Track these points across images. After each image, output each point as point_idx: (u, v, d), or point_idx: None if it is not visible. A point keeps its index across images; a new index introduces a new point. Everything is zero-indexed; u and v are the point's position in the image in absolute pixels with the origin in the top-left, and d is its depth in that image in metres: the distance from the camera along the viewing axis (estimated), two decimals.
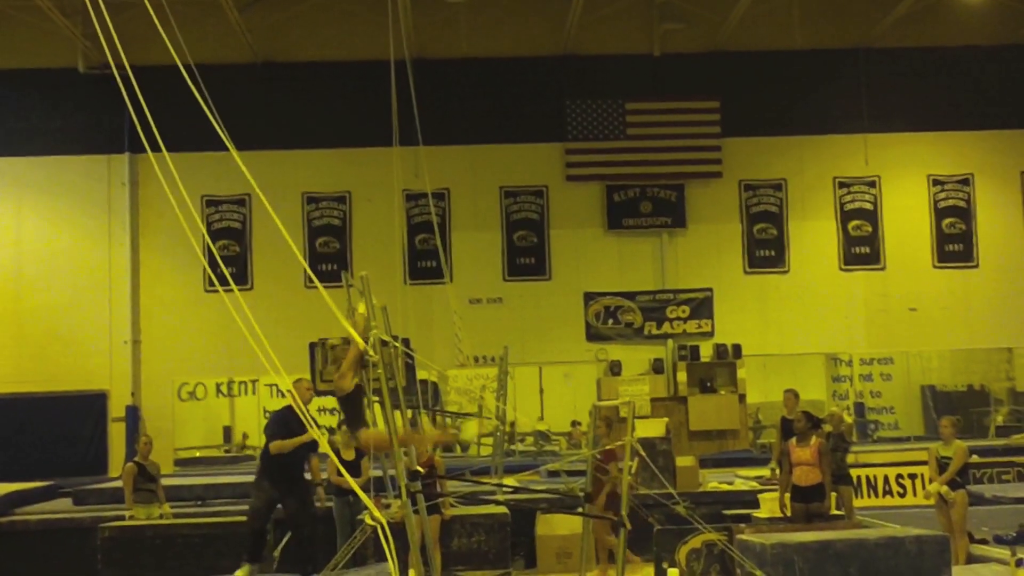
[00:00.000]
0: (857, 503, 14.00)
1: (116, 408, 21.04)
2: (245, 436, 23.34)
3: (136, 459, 13.31)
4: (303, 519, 10.30)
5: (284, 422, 10.59)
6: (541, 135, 21.92)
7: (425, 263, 21.24)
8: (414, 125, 16.88)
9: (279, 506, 11.00)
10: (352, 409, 8.71)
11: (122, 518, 13.13)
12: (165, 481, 14.13)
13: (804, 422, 11.76)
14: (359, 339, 8.69)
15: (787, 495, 11.70)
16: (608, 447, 12.37)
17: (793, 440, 11.75)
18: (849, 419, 13.74)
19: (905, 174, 22.32)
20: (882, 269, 22.09)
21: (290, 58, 21.72)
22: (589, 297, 21.72)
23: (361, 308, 8.67)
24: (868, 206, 22.24)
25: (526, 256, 21.84)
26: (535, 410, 22.38)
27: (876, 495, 16.35)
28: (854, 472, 14.36)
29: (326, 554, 11.87)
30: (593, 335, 21.74)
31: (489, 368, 20.33)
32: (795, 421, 12.11)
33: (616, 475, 12.19)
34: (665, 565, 10.81)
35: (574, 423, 21.62)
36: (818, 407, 18.14)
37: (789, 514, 11.63)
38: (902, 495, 16.33)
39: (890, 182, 22.28)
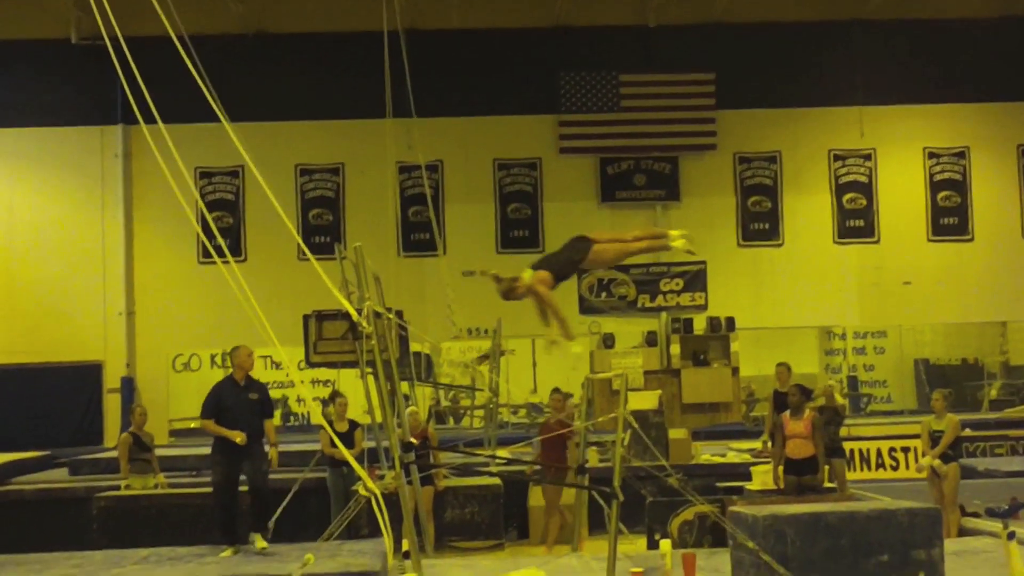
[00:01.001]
0: (850, 476, 14.07)
1: (111, 379, 21.06)
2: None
3: (131, 430, 13.35)
4: (259, 481, 10.02)
5: (216, 396, 9.94)
6: (534, 107, 21.86)
7: (418, 235, 21.21)
8: (407, 97, 16.82)
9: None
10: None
11: (117, 488, 13.18)
12: (160, 452, 14.17)
13: (798, 395, 11.80)
14: (350, 308, 8.72)
15: (780, 468, 11.75)
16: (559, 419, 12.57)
17: (787, 413, 11.79)
18: (841, 399, 13.75)
19: (900, 147, 22.30)
20: (876, 242, 22.10)
21: (283, 29, 21.60)
22: (582, 270, 21.67)
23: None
24: (863, 179, 22.22)
25: (519, 228, 21.83)
26: (528, 382, 22.41)
27: (869, 468, 16.44)
28: (847, 445, 14.42)
29: (320, 525, 11.92)
30: (586, 308, 21.66)
31: (482, 340, 20.38)
32: (788, 395, 12.15)
33: (573, 451, 12.27)
34: (657, 537, 10.85)
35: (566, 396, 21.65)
36: (811, 380, 18.19)
37: (782, 487, 11.68)
38: (895, 468, 16.42)
39: (885, 155, 22.25)
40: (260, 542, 9.66)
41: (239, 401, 9.83)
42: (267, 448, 10.04)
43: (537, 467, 12.70)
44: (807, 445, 11.54)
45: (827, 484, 12.03)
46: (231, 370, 10.12)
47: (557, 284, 8.68)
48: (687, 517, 11.36)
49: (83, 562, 9.70)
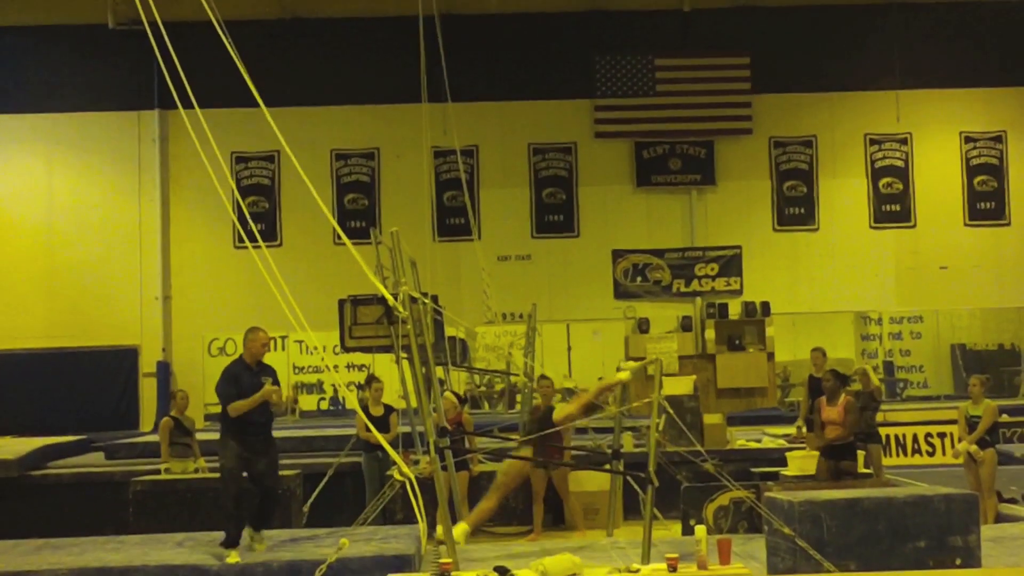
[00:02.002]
0: (886, 462, 14.00)
1: (147, 363, 21.23)
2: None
3: (172, 414, 13.44)
4: (271, 480, 9.64)
5: (235, 379, 9.49)
6: (570, 91, 21.80)
7: (454, 220, 21.23)
8: (443, 81, 16.82)
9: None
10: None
11: (155, 472, 13.29)
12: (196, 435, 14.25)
13: (832, 381, 11.73)
14: (386, 293, 8.75)
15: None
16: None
17: (823, 398, 11.73)
18: (876, 381, 13.67)
19: (937, 131, 22.08)
20: (913, 227, 21.92)
21: (318, 14, 21.64)
22: (617, 254, 21.68)
23: None
24: (899, 163, 22.03)
25: (554, 213, 21.81)
26: (563, 367, 22.40)
27: (905, 454, 16.35)
28: (883, 431, 14.34)
29: (355, 509, 12.00)
30: (621, 292, 21.72)
31: (517, 325, 20.40)
32: (823, 380, 12.09)
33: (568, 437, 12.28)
34: (693, 522, 10.84)
35: (599, 380, 21.63)
36: (847, 365, 18.09)
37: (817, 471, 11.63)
38: (931, 454, 16.33)
39: (922, 139, 22.05)
40: (260, 544, 9.33)
41: (254, 385, 9.42)
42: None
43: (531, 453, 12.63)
44: (837, 428, 11.47)
45: (862, 469, 11.97)
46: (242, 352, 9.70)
47: None
48: (722, 503, 11.35)
49: (120, 546, 9.81)
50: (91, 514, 13.34)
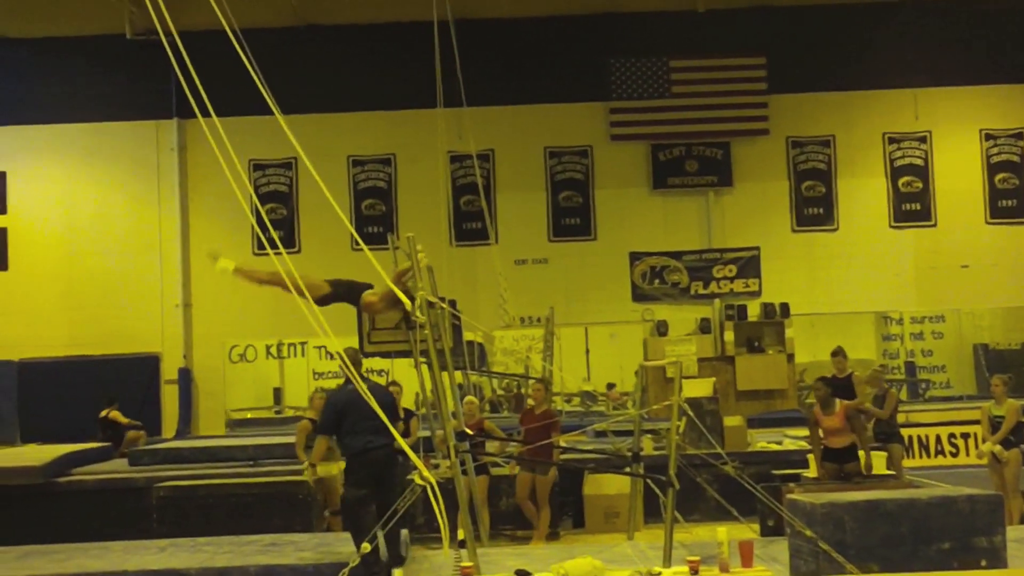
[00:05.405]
0: (908, 463, 13.90)
1: (168, 371, 21.36)
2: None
3: (309, 416, 13.34)
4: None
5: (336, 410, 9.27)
6: (585, 95, 21.82)
7: (470, 224, 21.26)
8: (458, 86, 16.86)
9: None
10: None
11: (176, 478, 13.29)
12: (216, 442, 14.30)
13: (822, 389, 11.56)
14: (404, 298, 8.76)
15: (818, 458, 11.61)
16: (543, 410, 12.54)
17: (818, 407, 11.55)
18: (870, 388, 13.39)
19: (957, 129, 21.99)
20: (933, 226, 21.83)
21: (333, 20, 21.72)
22: (635, 257, 21.65)
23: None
24: (919, 162, 21.95)
25: (571, 216, 21.81)
26: (581, 371, 22.37)
27: (928, 455, 16.24)
28: (905, 432, 14.24)
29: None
30: (639, 295, 21.70)
31: (535, 329, 20.36)
32: (813, 388, 11.97)
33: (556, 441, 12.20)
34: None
35: (609, 385, 21.63)
36: (868, 366, 17.99)
37: (819, 475, 11.56)
38: (954, 455, 16.21)
39: (941, 137, 21.96)
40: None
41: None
42: None
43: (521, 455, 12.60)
44: (844, 436, 11.38)
45: (884, 471, 11.87)
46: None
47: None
48: None
49: (140, 549, 9.87)
50: (115, 520, 13.37)
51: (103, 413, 17.84)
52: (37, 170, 21.76)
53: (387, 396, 9.61)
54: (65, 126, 21.66)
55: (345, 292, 9.35)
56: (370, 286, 9.29)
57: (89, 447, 16.11)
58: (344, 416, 9.26)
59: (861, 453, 11.75)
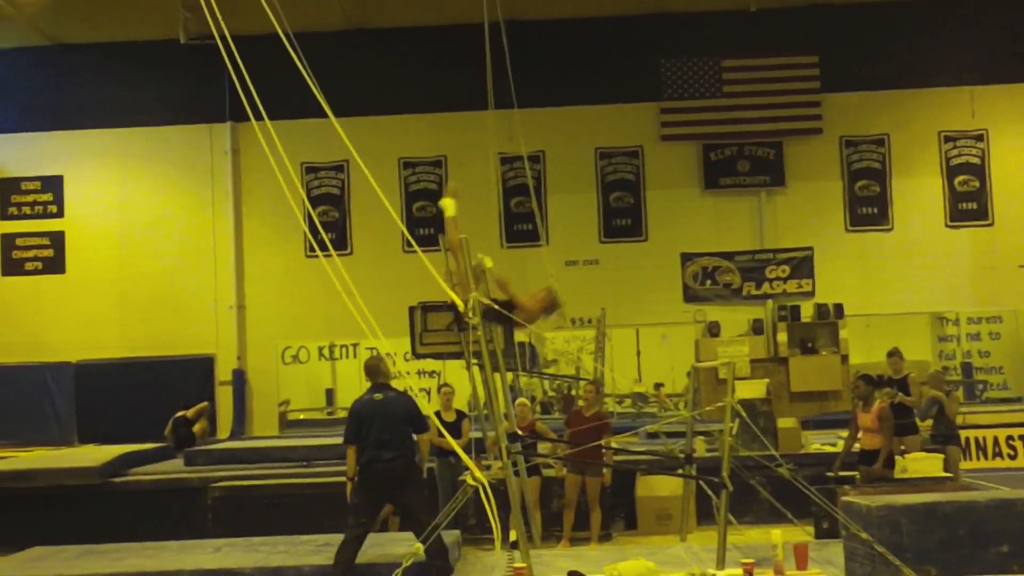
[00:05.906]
0: (965, 465, 13.74)
1: (223, 372, 21.56)
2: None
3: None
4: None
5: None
6: (636, 95, 21.73)
7: (521, 226, 21.26)
8: (508, 88, 16.82)
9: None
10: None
11: (231, 478, 13.42)
12: (271, 443, 14.39)
13: (862, 387, 11.47)
14: (456, 299, 8.78)
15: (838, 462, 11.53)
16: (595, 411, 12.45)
17: (859, 405, 11.48)
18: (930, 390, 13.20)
19: (1014, 127, 21.66)
20: (990, 225, 21.52)
21: (383, 23, 21.81)
22: (686, 258, 21.55)
23: (488, 262, 8.84)
24: (975, 160, 21.64)
25: (622, 217, 21.74)
26: (632, 372, 22.31)
27: (986, 457, 16.04)
28: (963, 434, 14.06)
29: (428, 515, 12.01)
30: (690, 296, 21.59)
31: (586, 330, 20.34)
32: (853, 387, 11.88)
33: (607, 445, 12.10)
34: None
35: (657, 385, 21.54)
36: (924, 367, 17.78)
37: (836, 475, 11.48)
38: (1012, 457, 16.00)
39: (998, 135, 21.64)
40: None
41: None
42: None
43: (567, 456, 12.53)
44: (875, 437, 11.26)
45: (941, 473, 11.71)
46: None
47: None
48: None
49: (195, 549, 9.98)
50: (172, 519, 13.53)
51: (179, 414, 18.06)
52: (93, 174, 22.08)
53: (407, 405, 9.57)
54: (120, 130, 21.96)
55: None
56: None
57: (145, 448, 16.33)
58: (362, 425, 9.29)
59: (941, 456, 11.63)
